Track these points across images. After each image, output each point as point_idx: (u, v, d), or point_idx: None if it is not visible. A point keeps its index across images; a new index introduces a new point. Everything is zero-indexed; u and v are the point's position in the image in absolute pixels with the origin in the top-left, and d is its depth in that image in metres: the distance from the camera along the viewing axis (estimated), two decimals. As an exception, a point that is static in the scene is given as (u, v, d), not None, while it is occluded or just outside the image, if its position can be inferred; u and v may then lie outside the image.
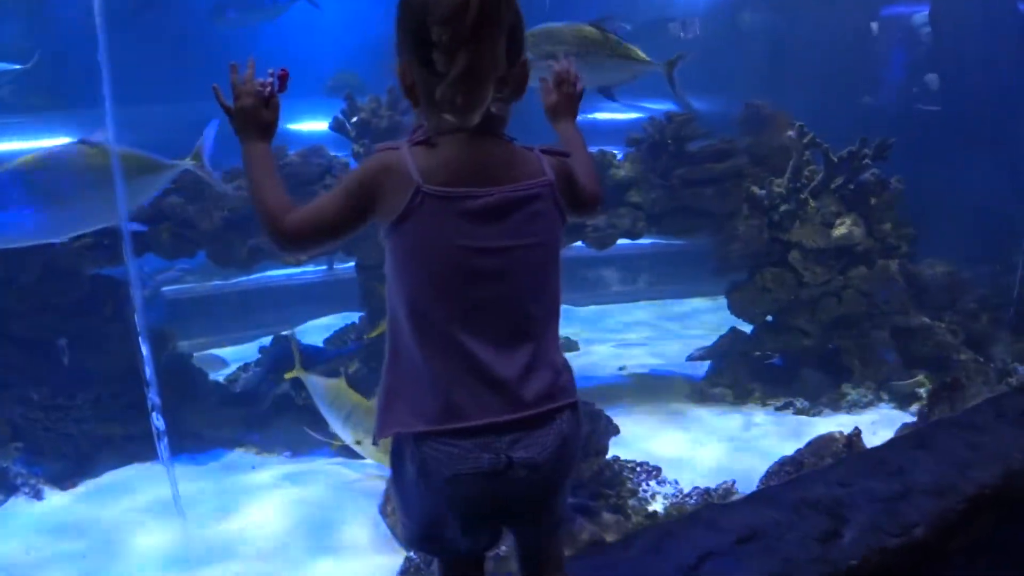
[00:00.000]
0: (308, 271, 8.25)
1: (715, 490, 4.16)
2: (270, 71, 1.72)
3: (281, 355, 5.64)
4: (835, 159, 5.08)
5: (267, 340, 6.01)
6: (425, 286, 1.48)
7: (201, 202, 4.94)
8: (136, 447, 5.03)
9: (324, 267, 8.22)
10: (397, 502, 1.66)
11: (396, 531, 3.86)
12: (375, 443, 1.58)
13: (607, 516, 3.83)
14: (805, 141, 5.01)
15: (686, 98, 4.73)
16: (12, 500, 4.57)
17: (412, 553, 3.59)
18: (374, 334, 5.17)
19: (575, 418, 1.55)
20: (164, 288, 7.00)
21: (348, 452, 4.91)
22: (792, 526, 2.75)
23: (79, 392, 4.95)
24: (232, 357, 6.61)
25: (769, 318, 5.54)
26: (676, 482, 4.29)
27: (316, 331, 6.94)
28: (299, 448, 5.10)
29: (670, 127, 5.13)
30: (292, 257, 2.05)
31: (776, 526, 2.74)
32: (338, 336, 6.34)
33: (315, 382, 4.66)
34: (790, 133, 5.06)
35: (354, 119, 4.99)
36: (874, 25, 9.34)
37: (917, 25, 8.73)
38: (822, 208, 5.14)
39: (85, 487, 4.75)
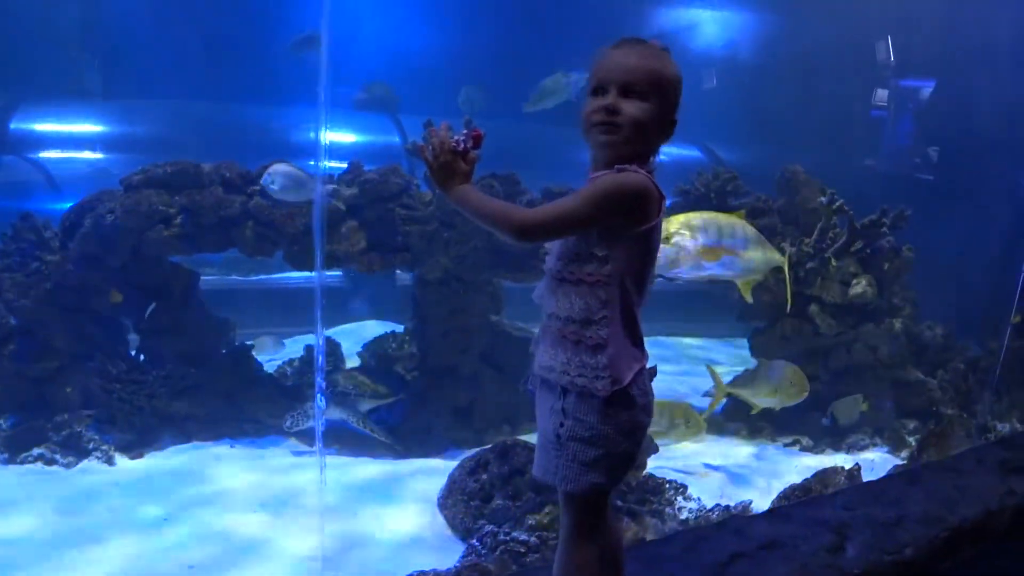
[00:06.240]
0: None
1: (734, 507, 4.59)
2: (464, 131, 2.06)
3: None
4: (857, 225, 5.64)
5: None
6: (642, 275, 2.05)
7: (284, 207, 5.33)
8: (195, 426, 5.36)
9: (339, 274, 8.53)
10: (599, 451, 2.06)
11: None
12: (617, 385, 2.08)
13: (648, 520, 4.28)
14: (834, 208, 5.57)
15: None
16: (85, 462, 4.86)
17: (475, 540, 4.02)
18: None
19: None
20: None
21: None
22: (806, 539, 3.18)
23: (152, 369, 5.30)
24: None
25: (785, 363, 6.03)
26: (699, 499, 4.73)
27: (344, 336, 7.28)
28: (344, 442, 5.48)
29: (715, 182, 5.67)
30: (528, 245, 2.75)
31: (792, 538, 3.18)
32: (376, 343, 6.64)
33: None
34: (821, 199, 5.61)
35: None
36: (883, 92, 9.99)
37: (925, 97, 9.43)
38: (842, 268, 5.65)
39: (152, 458, 5.05)
